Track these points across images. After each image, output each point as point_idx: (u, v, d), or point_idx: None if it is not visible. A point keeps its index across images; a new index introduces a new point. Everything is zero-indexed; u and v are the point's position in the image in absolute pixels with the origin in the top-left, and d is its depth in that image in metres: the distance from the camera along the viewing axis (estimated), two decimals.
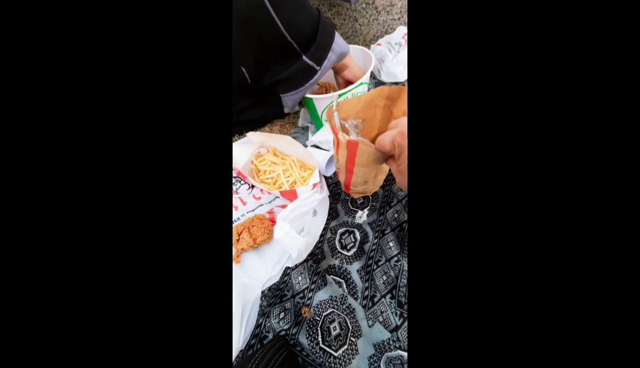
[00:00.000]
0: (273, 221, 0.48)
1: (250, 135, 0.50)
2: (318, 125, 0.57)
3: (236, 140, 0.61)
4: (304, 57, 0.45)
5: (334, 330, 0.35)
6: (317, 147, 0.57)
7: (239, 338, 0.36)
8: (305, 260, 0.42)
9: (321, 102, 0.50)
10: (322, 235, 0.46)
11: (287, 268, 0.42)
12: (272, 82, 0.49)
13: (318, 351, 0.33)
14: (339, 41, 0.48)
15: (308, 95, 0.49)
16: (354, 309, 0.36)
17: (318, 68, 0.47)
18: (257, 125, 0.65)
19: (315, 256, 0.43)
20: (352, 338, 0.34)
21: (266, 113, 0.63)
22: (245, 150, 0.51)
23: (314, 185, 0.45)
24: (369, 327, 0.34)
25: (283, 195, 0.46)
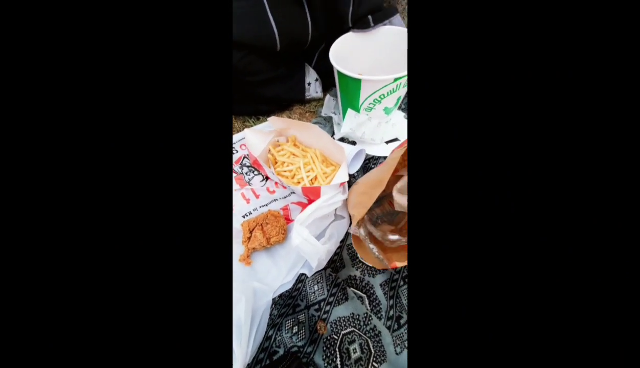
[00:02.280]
0: (288, 219, 0.44)
1: (271, 120, 0.44)
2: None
3: (252, 124, 0.55)
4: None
5: (354, 353, 0.31)
6: (343, 140, 0.51)
7: (247, 351, 0.31)
8: (323, 268, 0.38)
9: (370, 85, 0.42)
10: (342, 241, 0.41)
11: (302, 274, 0.38)
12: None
13: None
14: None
15: (356, 76, 0.41)
16: (379, 332, 0.32)
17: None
18: (271, 104, 0.57)
19: (334, 264, 0.39)
20: (374, 363, 0.30)
21: (286, 93, 0.56)
22: (263, 137, 0.46)
23: (341, 184, 0.40)
24: (397, 354, 0.31)
25: (305, 192, 0.41)
